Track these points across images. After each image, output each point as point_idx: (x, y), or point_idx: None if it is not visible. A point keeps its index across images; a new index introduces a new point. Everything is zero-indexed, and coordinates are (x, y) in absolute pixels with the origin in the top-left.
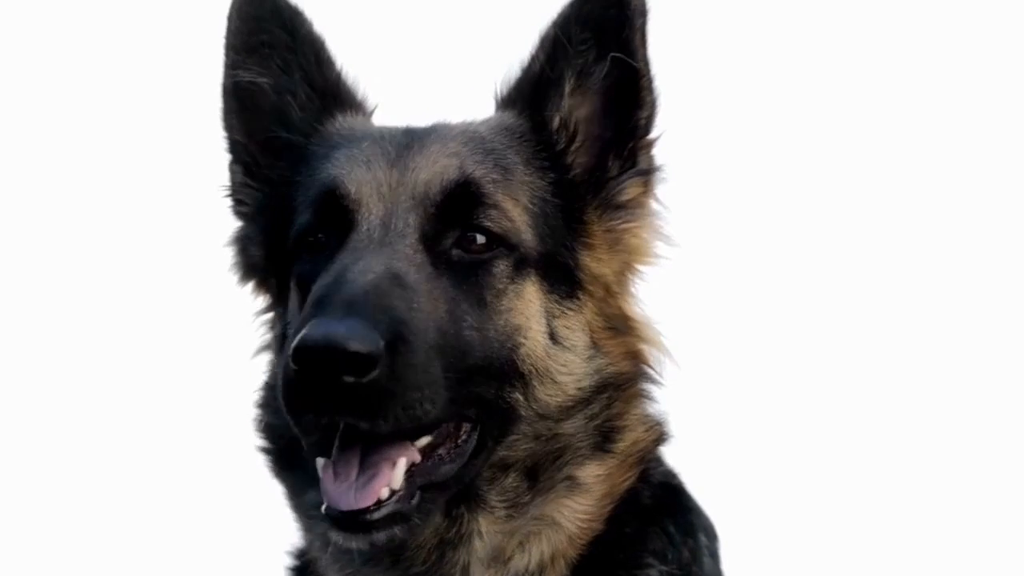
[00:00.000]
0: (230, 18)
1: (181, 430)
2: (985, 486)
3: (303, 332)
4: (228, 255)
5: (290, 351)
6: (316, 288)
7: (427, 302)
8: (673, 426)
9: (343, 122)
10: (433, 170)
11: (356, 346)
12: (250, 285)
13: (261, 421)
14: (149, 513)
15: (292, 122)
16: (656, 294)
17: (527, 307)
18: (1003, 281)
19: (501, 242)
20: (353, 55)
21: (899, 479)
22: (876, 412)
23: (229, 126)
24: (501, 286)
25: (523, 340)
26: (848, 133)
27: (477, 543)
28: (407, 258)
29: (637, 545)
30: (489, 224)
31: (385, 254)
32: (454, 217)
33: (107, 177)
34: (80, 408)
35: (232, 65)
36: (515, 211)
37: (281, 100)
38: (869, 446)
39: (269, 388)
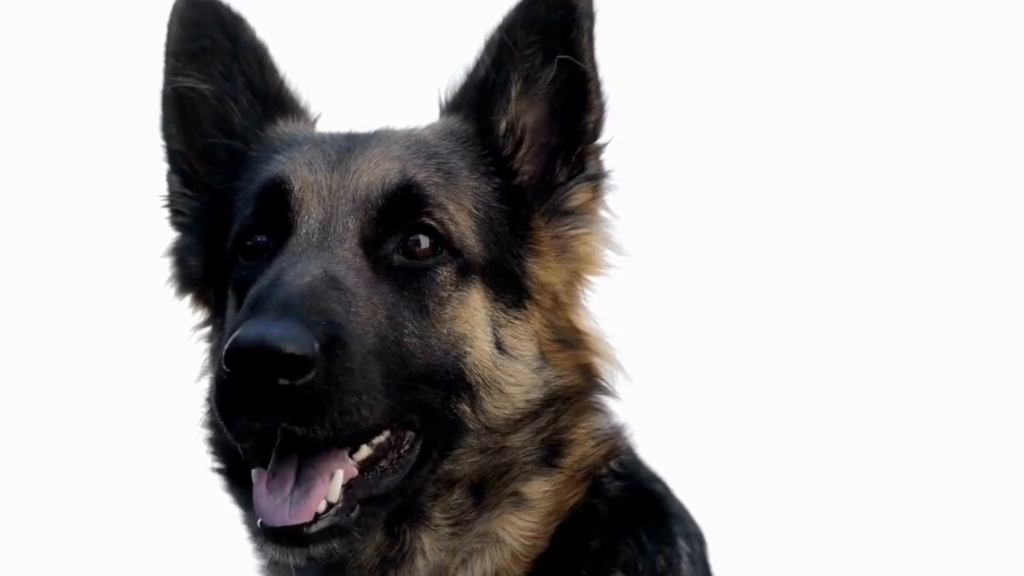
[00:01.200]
0: (170, 24)
1: (179, 429)
2: (983, 486)
3: (236, 334)
4: (164, 268)
5: (223, 354)
6: (252, 291)
7: (365, 307)
8: (643, 434)
9: (284, 128)
10: (375, 173)
11: (291, 348)
12: (188, 298)
13: (209, 440)
14: (148, 513)
15: (233, 129)
16: (629, 302)
17: (472, 316)
18: (994, 279)
19: (445, 245)
20: (295, 62)
21: (887, 480)
22: (862, 414)
23: (168, 135)
24: (444, 293)
25: (468, 349)
26: (816, 134)
27: (419, 561)
28: (345, 262)
29: (604, 559)
30: (432, 223)
31: (323, 258)
32: (396, 220)
33: (99, 178)
34: (79, 408)
35: (172, 72)
36: (459, 215)
37: (222, 107)
38: (859, 449)
39: (210, 405)
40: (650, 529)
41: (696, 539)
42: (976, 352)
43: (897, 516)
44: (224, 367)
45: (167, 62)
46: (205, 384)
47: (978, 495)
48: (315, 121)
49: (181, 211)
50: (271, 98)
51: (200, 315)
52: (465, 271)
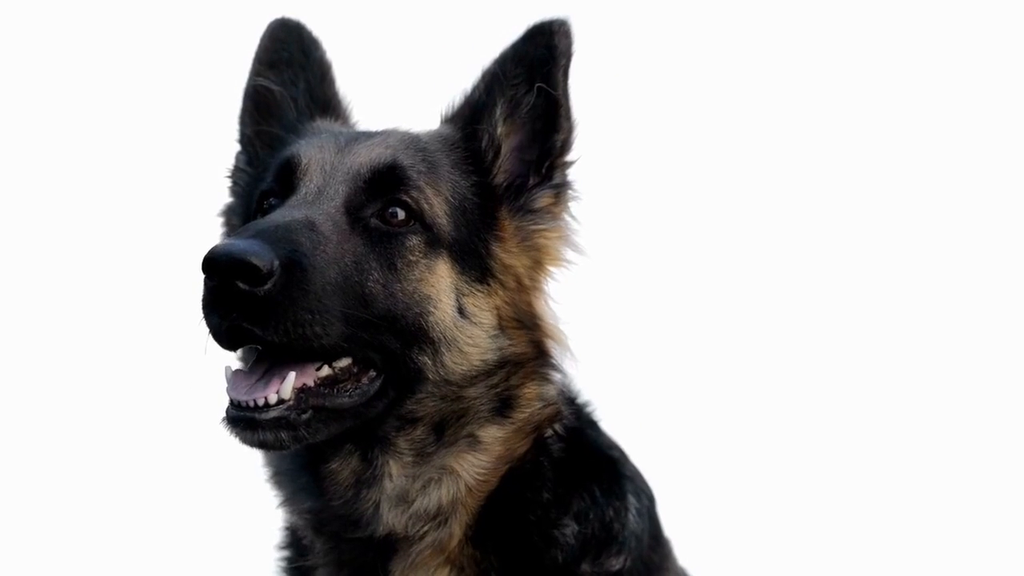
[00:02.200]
0: (263, 37)
1: (178, 429)
2: (983, 486)
3: (213, 246)
4: (216, 227)
5: (203, 261)
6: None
7: (334, 248)
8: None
9: (320, 123)
10: (368, 155)
11: (251, 259)
12: None
13: None
14: (148, 512)
15: (287, 122)
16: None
17: (438, 281)
18: (990, 278)
19: (418, 219)
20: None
21: (879, 474)
22: (853, 408)
23: (243, 121)
24: (413, 258)
25: (432, 309)
26: (808, 135)
27: (387, 484)
28: (326, 214)
29: (556, 508)
30: (408, 200)
31: (309, 209)
32: (378, 192)
33: (102, 177)
34: (79, 407)
35: (256, 73)
36: (435, 198)
37: (285, 104)
38: (847, 441)
39: None
40: (603, 485)
41: (645, 496)
42: (976, 352)
43: (895, 515)
44: (202, 273)
45: (253, 66)
46: None
47: (978, 495)
48: (353, 124)
49: (237, 182)
50: (323, 103)
51: None
52: (434, 243)
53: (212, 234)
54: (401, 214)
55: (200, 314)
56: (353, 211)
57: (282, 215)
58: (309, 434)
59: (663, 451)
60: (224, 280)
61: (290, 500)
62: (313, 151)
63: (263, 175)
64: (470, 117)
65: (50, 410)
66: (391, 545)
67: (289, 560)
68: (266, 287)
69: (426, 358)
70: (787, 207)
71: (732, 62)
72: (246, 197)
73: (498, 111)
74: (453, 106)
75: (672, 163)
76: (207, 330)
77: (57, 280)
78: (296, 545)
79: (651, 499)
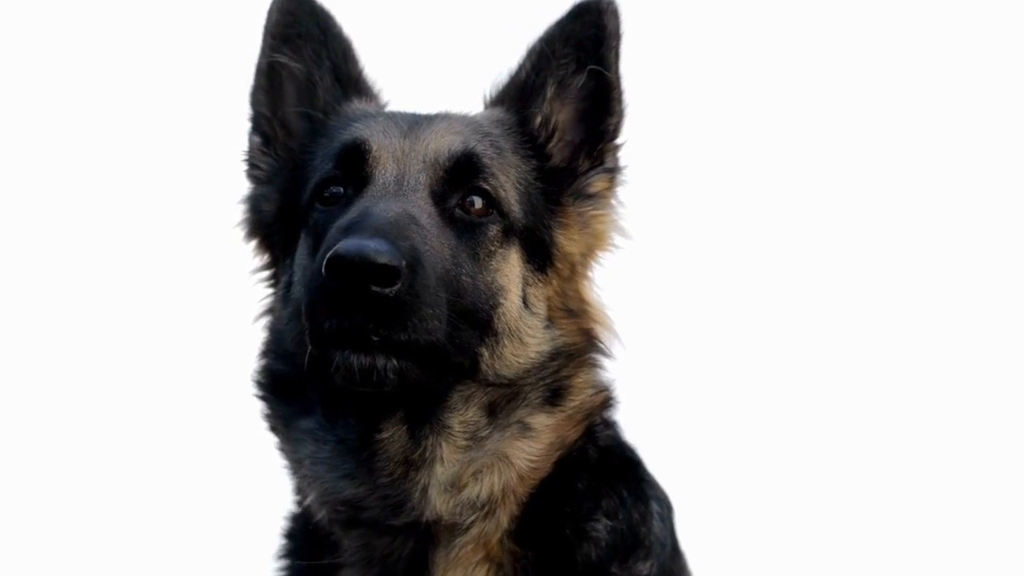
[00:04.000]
0: (271, 12)
1: (176, 429)
2: (983, 486)
3: (337, 246)
4: (238, 212)
5: (323, 261)
6: (342, 221)
7: (436, 242)
8: (624, 397)
9: (358, 105)
10: (441, 142)
11: (384, 259)
12: (253, 243)
13: (263, 369)
14: (147, 512)
15: (316, 103)
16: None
17: (511, 271)
18: (996, 279)
19: (495, 207)
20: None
21: (880, 474)
22: (861, 410)
23: (256, 101)
24: (492, 247)
25: (503, 300)
26: (818, 134)
27: (438, 468)
28: (420, 206)
29: (589, 501)
30: (487, 188)
31: (402, 201)
32: (458, 181)
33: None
34: (79, 407)
35: (271, 49)
36: (507, 184)
37: (309, 84)
38: (855, 444)
39: (276, 334)
40: (630, 486)
41: (665, 504)
42: (977, 352)
43: (894, 514)
44: (323, 273)
45: (265, 41)
46: (264, 322)
47: (978, 495)
48: (384, 106)
49: (259, 166)
50: (351, 82)
51: (262, 259)
52: (509, 232)
53: (211, 235)
54: (479, 203)
55: (308, 314)
56: (438, 201)
57: (381, 208)
58: (390, 384)
59: (664, 451)
60: (356, 283)
61: (328, 492)
62: (379, 137)
63: (306, 160)
64: (520, 98)
65: (50, 410)
66: (432, 537)
67: (289, 569)
68: (395, 287)
69: (484, 350)
70: (788, 207)
71: (755, 52)
72: (284, 183)
73: (548, 92)
74: (498, 87)
75: (678, 159)
76: (312, 331)
77: (57, 280)
78: (302, 551)
79: (670, 508)
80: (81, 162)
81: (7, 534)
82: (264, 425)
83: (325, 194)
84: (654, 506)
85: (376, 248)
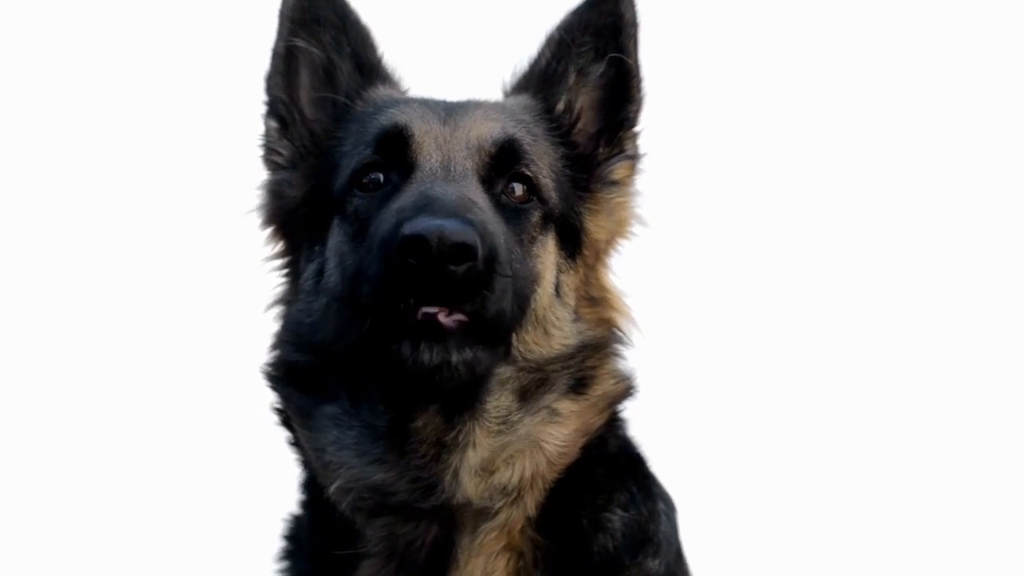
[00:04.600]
0: None
1: (177, 429)
2: (983, 486)
3: (411, 224)
4: (255, 199)
5: (398, 239)
6: (400, 204)
7: (494, 226)
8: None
9: (384, 91)
10: (482, 128)
11: (462, 238)
12: (269, 230)
13: (279, 361)
14: (147, 512)
15: (336, 88)
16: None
17: (548, 257)
18: (1000, 279)
19: (536, 193)
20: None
21: (880, 472)
22: (863, 408)
23: (274, 85)
24: (534, 233)
25: (538, 287)
26: (830, 131)
27: (471, 452)
28: (474, 190)
29: (604, 492)
30: (529, 174)
31: (456, 184)
32: (502, 167)
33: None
34: (79, 408)
35: (289, 32)
36: (545, 170)
37: (328, 69)
38: (857, 443)
39: (295, 324)
40: (639, 482)
41: (669, 503)
42: (980, 353)
43: (895, 514)
44: (396, 254)
45: (282, 24)
46: (276, 312)
47: (978, 495)
48: (405, 91)
49: (278, 151)
50: (371, 69)
51: (277, 247)
52: (547, 218)
53: (210, 234)
54: (520, 189)
55: (371, 300)
56: (486, 187)
57: (440, 190)
58: (463, 365)
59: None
60: (437, 262)
61: (354, 478)
62: (418, 122)
63: (332, 146)
64: (543, 86)
65: (50, 410)
66: (457, 523)
67: (290, 571)
68: (473, 266)
69: (513, 336)
70: (793, 203)
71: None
72: (310, 169)
73: (569, 80)
74: (518, 75)
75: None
76: (376, 319)
77: (56, 279)
78: (301, 554)
79: (674, 508)
80: (79, 158)
81: (7, 534)
82: (274, 419)
83: (364, 180)
84: (660, 504)
85: (456, 229)
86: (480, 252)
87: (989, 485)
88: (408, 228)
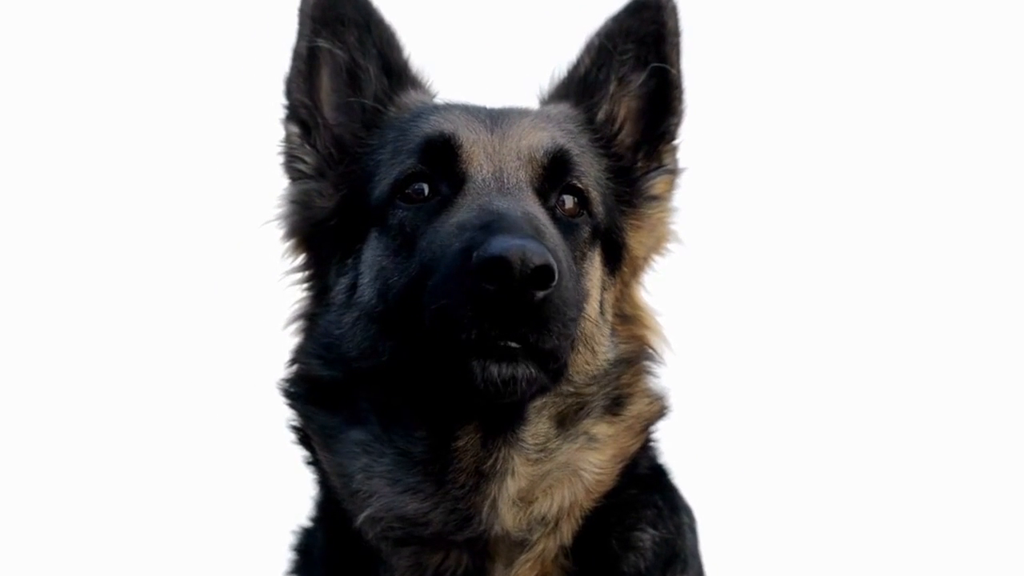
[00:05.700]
0: None
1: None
2: (983, 486)
3: (490, 246)
4: (278, 212)
5: (476, 263)
6: (462, 220)
7: (558, 244)
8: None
9: (417, 97)
10: (533, 138)
11: (543, 261)
12: (291, 242)
13: (300, 376)
14: (148, 513)
15: (363, 92)
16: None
17: (595, 274)
18: (1002, 279)
19: (585, 207)
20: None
21: (891, 476)
22: (873, 411)
23: (295, 87)
24: (585, 249)
25: (586, 305)
26: (842, 134)
27: (509, 481)
28: (533, 205)
29: (634, 511)
30: (580, 186)
31: (515, 199)
32: (555, 178)
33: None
34: (79, 408)
35: (312, 32)
36: (593, 182)
37: (354, 71)
38: (863, 445)
39: (323, 337)
40: (664, 495)
41: (691, 515)
42: (982, 353)
43: (895, 515)
44: (471, 276)
45: (304, 24)
46: (296, 326)
47: (978, 495)
48: (434, 95)
49: (301, 159)
50: (399, 72)
51: (300, 259)
52: (595, 233)
53: (220, 243)
54: (570, 202)
55: (439, 320)
56: (542, 200)
57: (504, 205)
58: (527, 384)
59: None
60: (520, 286)
61: (385, 507)
62: (465, 131)
63: (365, 153)
64: (584, 94)
65: (51, 410)
66: (490, 553)
67: None
68: (550, 291)
69: None
70: (809, 212)
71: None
72: (340, 178)
73: (610, 88)
74: (557, 83)
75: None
76: (445, 339)
77: (57, 279)
78: (313, 570)
79: (694, 519)
80: (78, 158)
81: (7, 534)
82: (292, 437)
83: (407, 191)
84: (684, 517)
85: (538, 251)
86: (557, 276)
87: (1000, 489)
88: (487, 250)
